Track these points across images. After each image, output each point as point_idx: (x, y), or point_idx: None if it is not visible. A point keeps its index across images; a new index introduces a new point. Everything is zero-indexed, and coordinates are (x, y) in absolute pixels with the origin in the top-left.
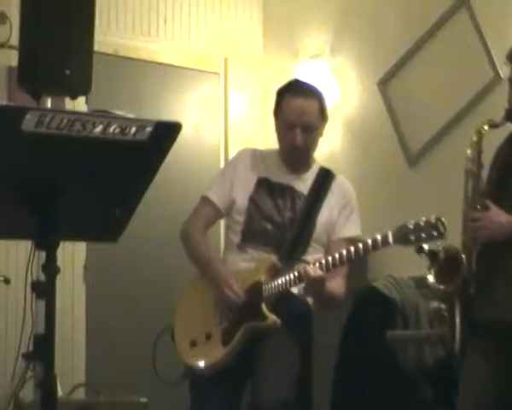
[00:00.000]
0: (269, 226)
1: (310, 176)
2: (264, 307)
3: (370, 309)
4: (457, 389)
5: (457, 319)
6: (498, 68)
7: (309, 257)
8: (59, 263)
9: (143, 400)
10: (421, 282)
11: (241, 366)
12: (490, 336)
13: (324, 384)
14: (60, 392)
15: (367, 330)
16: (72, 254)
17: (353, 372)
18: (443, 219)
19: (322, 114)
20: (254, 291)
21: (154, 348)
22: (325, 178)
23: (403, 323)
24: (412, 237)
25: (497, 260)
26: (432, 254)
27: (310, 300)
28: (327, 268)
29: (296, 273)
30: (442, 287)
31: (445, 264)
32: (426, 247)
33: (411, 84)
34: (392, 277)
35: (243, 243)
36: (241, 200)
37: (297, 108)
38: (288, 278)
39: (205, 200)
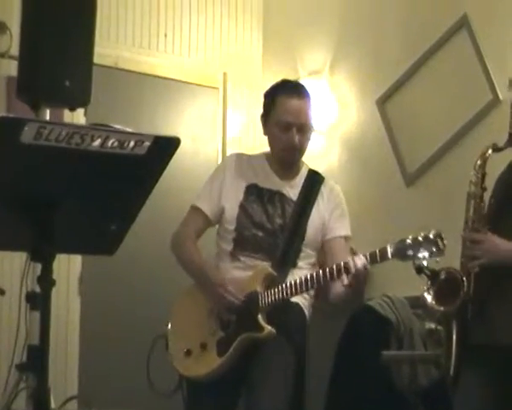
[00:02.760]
0: (260, 234)
1: (298, 181)
2: (260, 317)
3: (365, 328)
4: None
5: (454, 341)
6: (497, 90)
7: (301, 263)
8: (54, 274)
9: None
10: (415, 302)
11: (236, 374)
12: (485, 358)
13: (317, 403)
14: (52, 404)
15: (361, 349)
16: (68, 266)
17: (347, 391)
18: (442, 235)
19: (312, 114)
20: (250, 301)
21: (149, 355)
22: (314, 182)
23: (397, 343)
24: (410, 253)
25: (494, 283)
26: (432, 275)
27: (305, 309)
28: (324, 281)
29: (309, 277)
30: (442, 308)
31: (444, 285)
32: (425, 263)
33: (410, 103)
34: (388, 296)
35: (235, 251)
36: (231, 208)
37: (293, 108)
38: (285, 288)
39: (194, 209)
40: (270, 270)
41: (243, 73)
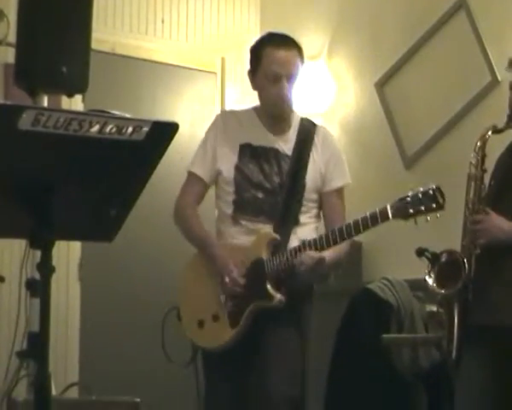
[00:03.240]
0: (260, 195)
1: (292, 135)
2: (268, 286)
3: (365, 311)
4: (452, 392)
5: (455, 323)
6: (496, 71)
7: (303, 218)
8: (53, 261)
9: (136, 399)
10: (415, 284)
11: (249, 343)
12: (486, 340)
13: (318, 386)
14: (53, 391)
15: (362, 332)
16: (67, 252)
17: (347, 375)
18: (441, 188)
19: (302, 62)
20: (257, 269)
21: (163, 326)
22: (307, 133)
23: (397, 326)
24: (411, 211)
25: (495, 265)
26: (433, 258)
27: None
28: (327, 244)
29: (297, 249)
30: (442, 291)
31: (445, 268)
32: (424, 246)
33: (409, 86)
34: (387, 279)
35: (236, 215)
36: (227, 170)
37: (281, 59)
38: (289, 254)
39: (191, 175)
40: (274, 234)
41: (241, 57)
